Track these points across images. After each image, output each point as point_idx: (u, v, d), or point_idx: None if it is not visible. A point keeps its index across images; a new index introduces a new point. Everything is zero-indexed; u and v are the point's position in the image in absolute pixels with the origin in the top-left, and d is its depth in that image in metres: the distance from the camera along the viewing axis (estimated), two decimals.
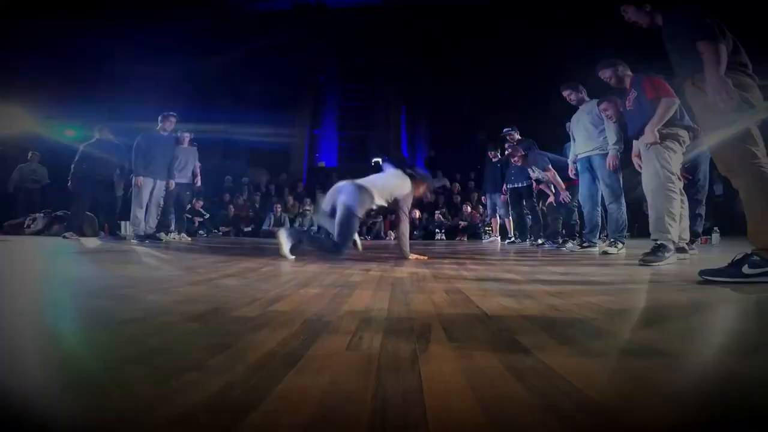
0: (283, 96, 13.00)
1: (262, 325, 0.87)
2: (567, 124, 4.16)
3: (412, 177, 3.01)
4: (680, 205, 2.50)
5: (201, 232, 8.16)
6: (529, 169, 4.94)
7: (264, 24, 12.01)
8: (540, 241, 5.25)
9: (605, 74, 3.03)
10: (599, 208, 3.89)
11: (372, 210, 2.91)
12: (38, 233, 6.19)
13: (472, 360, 0.66)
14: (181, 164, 5.45)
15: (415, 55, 13.16)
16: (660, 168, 2.45)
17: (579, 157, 3.89)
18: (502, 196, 6.18)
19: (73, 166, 5.36)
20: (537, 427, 0.44)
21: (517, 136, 5.52)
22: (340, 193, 2.76)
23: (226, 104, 12.35)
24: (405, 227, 2.85)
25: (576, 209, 4.45)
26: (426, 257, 2.85)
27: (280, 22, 12.21)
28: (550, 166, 4.51)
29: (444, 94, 13.76)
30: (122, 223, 6.41)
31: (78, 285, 1.61)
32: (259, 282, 1.58)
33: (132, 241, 4.81)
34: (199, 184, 6.59)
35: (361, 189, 2.76)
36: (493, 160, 6.51)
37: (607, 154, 3.55)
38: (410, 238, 2.90)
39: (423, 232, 8.54)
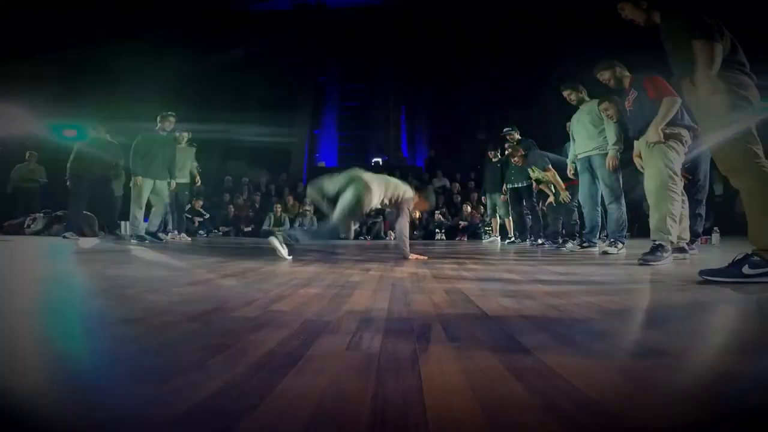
0: (283, 96, 13.01)
1: (262, 325, 0.87)
2: (567, 124, 4.16)
3: (417, 189, 3.07)
4: (681, 206, 2.50)
5: (201, 232, 8.16)
6: (529, 169, 4.94)
7: (264, 24, 12.02)
8: (540, 241, 5.25)
9: (604, 76, 3.03)
10: (599, 208, 3.89)
11: (372, 210, 2.92)
12: (38, 233, 6.19)
13: (472, 360, 0.66)
14: (178, 164, 5.45)
15: (415, 55, 13.17)
16: (664, 167, 2.45)
17: (579, 157, 3.90)
18: (502, 196, 6.18)
19: (69, 165, 5.34)
20: (537, 427, 0.44)
21: (517, 136, 5.52)
22: (352, 181, 2.75)
23: (226, 104, 12.35)
24: (405, 227, 2.86)
25: (576, 209, 4.45)
26: (426, 257, 2.86)
27: (280, 22, 12.22)
28: (550, 166, 4.51)
29: (444, 93, 13.77)
30: (122, 222, 6.40)
31: (78, 285, 1.61)
32: (259, 282, 1.57)
33: (132, 241, 4.81)
34: (198, 183, 6.61)
35: (374, 184, 2.78)
36: (493, 160, 6.51)
37: (607, 154, 3.55)
38: (410, 238, 2.91)
39: (423, 232, 8.54)
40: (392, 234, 3.31)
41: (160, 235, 5.40)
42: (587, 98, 3.89)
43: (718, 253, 3.71)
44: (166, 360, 0.65)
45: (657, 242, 2.43)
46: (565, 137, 4.43)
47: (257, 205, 9.81)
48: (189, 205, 7.75)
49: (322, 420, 0.45)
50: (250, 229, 8.85)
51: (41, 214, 6.42)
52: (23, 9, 8.17)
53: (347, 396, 0.51)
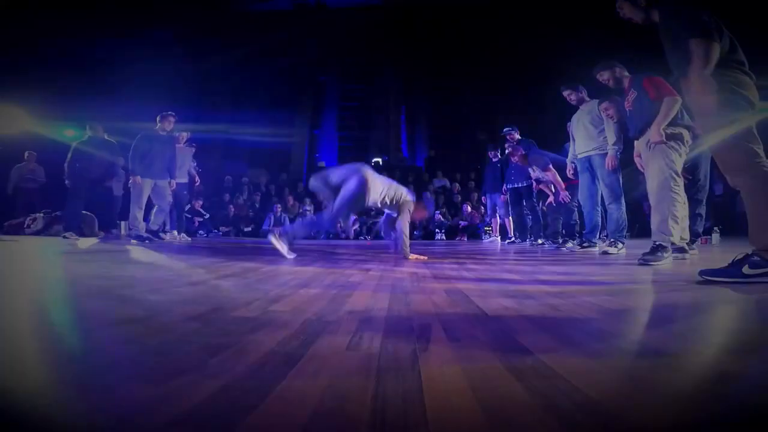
0: (283, 96, 13.01)
1: (262, 325, 0.87)
2: (568, 124, 4.16)
3: (417, 197, 3.15)
4: (683, 207, 2.50)
5: (201, 232, 8.16)
6: (529, 169, 4.94)
7: (264, 24, 12.02)
8: (540, 241, 5.25)
9: (603, 76, 3.03)
10: (599, 208, 3.89)
11: (372, 210, 2.94)
12: (38, 233, 6.19)
13: (472, 360, 0.66)
14: (177, 164, 5.45)
15: (415, 55, 13.17)
16: (665, 167, 2.44)
17: (579, 156, 3.90)
18: (502, 196, 6.18)
19: (66, 165, 5.33)
20: (537, 427, 0.44)
21: (517, 136, 5.52)
22: (357, 172, 2.80)
23: (226, 104, 12.35)
24: (405, 228, 2.87)
25: (576, 209, 4.45)
26: (426, 257, 2.86)
27: (280, 22, 12.21)
28: (551, 166, 4.50)
29: (444, 94, 13.77)
30: (121, 222, 6.41)
31: (78, 285, 1.61)
32: (259, 282, 1.57)
33: (132, 240, 4.81)
34: (198, 183, 6.62)
35: (377, 179, 2.84)
36: (493, 160, 6.51)
37: (607, 154, 3.55)
38: (410, 238, 2.92)
39: (423, 232, 8.54)
40: (392, 234, 3.32)
41: (162, 234, 5.42)
42: (587, 98, 3.89)
43: (718, 253, 3.71)
44: (167, 360, 0.65)
45: (657, 242, 2.43)
46: (565, 137, 4.44)
47: (257, 205, 9.82)
48: (189, 205, 7.77)
49: (322, 420, 0.45)
50: (250, 229, 8.85)
51: (41, 214, 6.43)
52: (23, 8, 8.17)
53: (347, 396, 0.51)
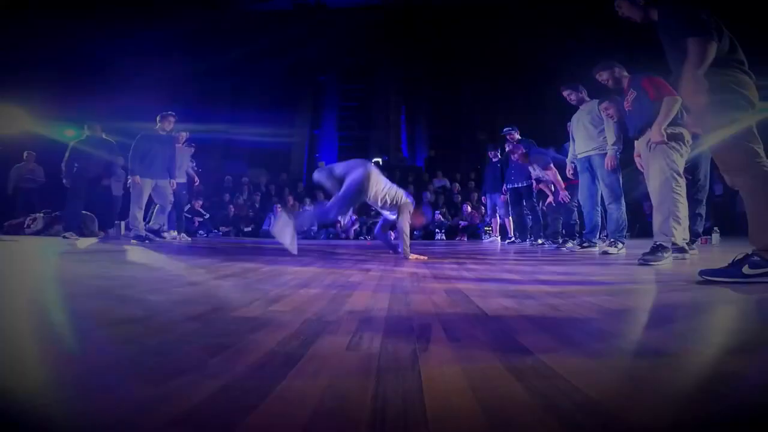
0: (283, 96, 13.00)
1: (262, 325, 0.87)
2: (568, 124, 4.16)
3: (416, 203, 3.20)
4: (685, 207, 2.49)
5: (201, 232, 8.16)
6: (530, 167, 4.93)
7: (264, 24, 12.01)
8: (540, 241, 5.25)
9: (602, 76, 3.03)
10: (599, 208, 3.89)
11: (372, 210, 2.98)
12: (38, 233, 6.20)
13: (472, 360, 0.66)
14: (176, 164, 5.46)
15: (415, 54, 13.17)
16: (666, 168, 2.43)
17: (579, 157, 3.90)
18: (502, 196, 6.18)
19: (63, 164, 5.31)
20: (537, 427, 0.44)
21: (517, 136, 5.52)
22: (361, 165, 2.89)
23: (226, 104, 12.35)
24: (406, 227, 2.88)
25: (575, 209, 4.45)
26: (426, 257, 2.86)
27: (280, 22, 12.21)
28: (551, 165, 4.50)
29: (444, 94, 13.76)
30: (120, 222, 6.40)
31: (78, 285, 1.61)
32: (259, 282, 1.57)
33: (132, 240, 4.82)
34: (198, 183, 6.62)
35: (380, 175, 2.93)
36: (493, 160, 6.51)
37: (607, 154, 3.55)
38: (410, 238, 2.93)
39: (423, 232, 8.54)
40: (392, 234, 3.35)
41: (164, 234, 5.42)
42: (587, 98, 3.89)
43: (718, 253, 3.71)
44: (167, 360, 0.65)
45: (657, 242, 2.43)
46: (565, 137, 4.43)
47: (257, 205, 9.82)
48: (189, 205, 7.77)
49: (322, 420, 0.45)
50: (250, 229, 8.85)
51: (41, 214, 6.43)
52: (23, 8, 8.17)
53: (347, 396, 0.51)
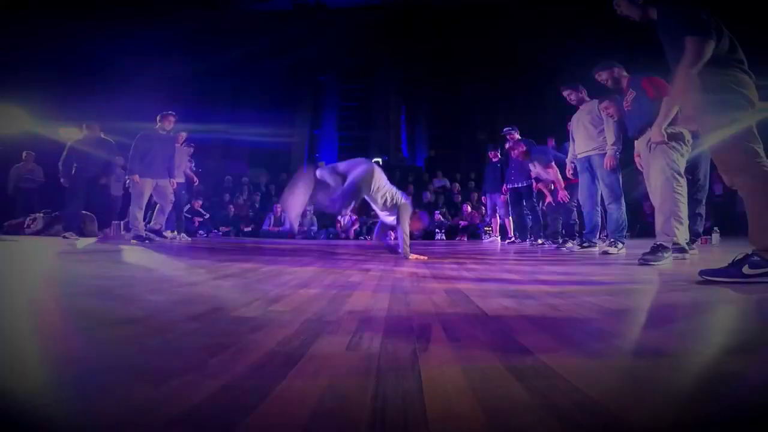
0: (283, 96, 13.00)
1: (262, 325, 0.87)
2: (568, 124, 4.16)
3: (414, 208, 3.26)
4: (686, 207, 2.48)
5: (201, 232, 8.16)
6: (530, 165, 4.90)
7: (264, 24, 12.01)
8: (540, 241, 5.25)
9: (602, 76, 3.03)
10: (599, 208, 3.89)
11: (372, 210, 3.01)
12: (38, 233, 6.20)
13: (472, 360, 0.66)
14: (175, 164, 5.46)
15: (415, 54, 13.16)
16: (667, 168, 2.42)
17: (578, 157, 3.90)
18: (502, 196, 6.18)
19: (60, 163, 5.29)
20: (537, 427, 0.44)
21: (517, 136, 5.52)
22: (365, 162, 3.00)
23: (226, 104, 12.35)
24: (405, 227, 2.89)
25: (575, 209, 4.45)
26: (426, 257, 2.86)
27: (280, 22, 12.21)
28: (553, 163, 4.48)
29: (444, 94, 13.76)
30: (119, 222, 6.39)
31: (78, 285, 1.61)
32: (259, 282, 1.57)
33: (132, 240, 4.82)
34: (197, 182, 6.62)
35: (382, 176, 3.01)
36: (493, 160, 6.51)
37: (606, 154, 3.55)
38: (410, 238, 2.94)
39: (423, 232, 8.54)
40: (392, 234, 3.38)
41: (166, 233, 5.43)
42: (587, 98, 3.89)
43: (718, 253, 3.70)
44: (166, 360, 0.65)
45: (658, 242, 2.42)
46: (565, 137, 4.43)
47: (257, 205, 9.82)
48: (188, 205, 7.77)
49: (322, 420, 0.45)
50: (250, 229, 8.85)
51: (41, 214, 6.43)
52: (23, 8, 8.17)
53: (347, 396, 0.51)
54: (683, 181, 2.46)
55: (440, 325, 0.89)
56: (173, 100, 8.12)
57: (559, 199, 4.49)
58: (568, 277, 1.86)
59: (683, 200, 2.44)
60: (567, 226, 4.52)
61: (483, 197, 7.69)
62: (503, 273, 2.06)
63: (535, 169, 4.83)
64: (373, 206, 3.10)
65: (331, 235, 8.45)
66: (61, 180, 5.33)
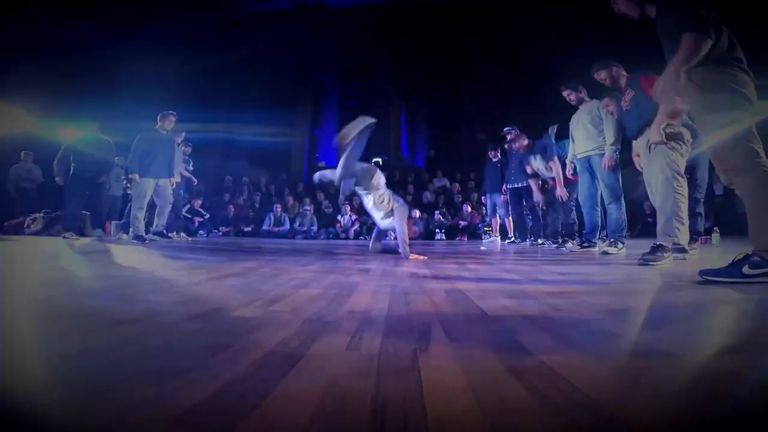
0: (283, 96, 13.00)
1: (262, 325, 0.87)
2: (570, 124, 4.16)
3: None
4: (686, 207, 2.48)
5: (201, 232, 8.16)
6: (531, 157, 4.88)
7: (264, 24, 12.01)
8: (540, 241, 5.25)
9: (600, 75, 3.03)
10: (599, 208, 3.89)
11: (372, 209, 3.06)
12: (38, 233, 6.20)
13: (472, 360, 0.66)
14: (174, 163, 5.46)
15: (415, 54, 13.16)
16: (667, 168, 2.42)
17: (578, 157, 3.90)
18: (502, 196, 6.18)
19: (55, 163, 5.26)
20: (537, 427, 0.44)
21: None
22: (369, 163, 3.15)
23: (226, 104, 12.35)
24: (404, 227, 2.92)
25: (574, 209, 4.45)
26: (426, 257, 2.86)
27: (280, 22, 12.21)
28: (556, 158, 4.46)
29: (444, 94, 13.77)
30: (117, 223, 6.39)
31: (78, 285, 1.61)
32: (259, 282, 1.57)
33: (132, 240, 4.82)
34: (195, 182, 6.63)
35: (382, 177, 3.10)
36: (493, 160, 6.51)
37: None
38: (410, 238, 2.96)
39: (423, 231, 8.54)
40: (392, 234, 3.40)
41: (170, 234, 5.45)
42: (587, 98, 3.89)
43: (718, 253, 3.70)
44: (167, 360, 0.65)
45: (657, 242, 2.42)
46: (565, 137, 4.42)
47: (257, 205, 9.82)
48: (188, 205, 7.77)
49: (322, 420, 0.45)
50: (250, 229, 8.85)
51: (41, 214, 6.42)
52: (22, 7, 8.17)
53: (347, 396, 0.51)
54: (683, 181, 2.46)
55: (440, 325, 0.89)
56: (173, 99, 8.12)
57: (557, 195, 4.46)
58: (568, 277, 1.86)
59: (684, 200, 2.43)
60: (566, 226, 4.52)
61: (483, 197, 7.69)
62: (503, 273, 2.06)
63: (536, 163, 4.79)
64: (370, 208, 3.11)
65: (331, 235, 8.45)
66: (56, 179, 5.33)
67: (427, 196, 9.88)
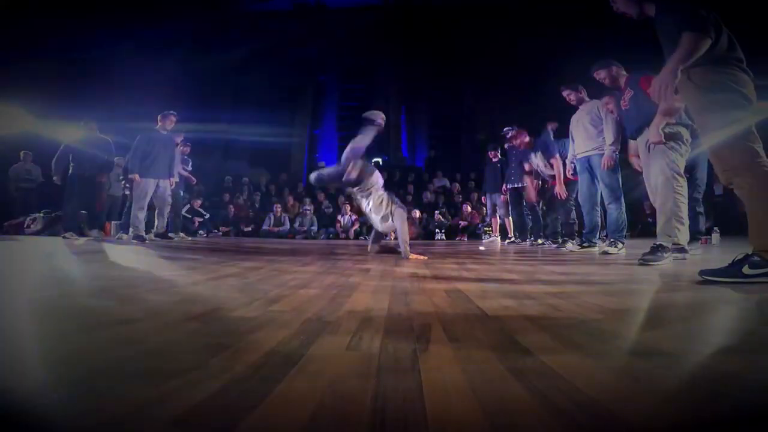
0: (283, 96, 13.00)
1: (262, 325, 0.87)
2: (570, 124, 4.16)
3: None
4: (686, 207, 2.48)
5: (201, 232, 8.16)
6: (531, 154, 4.87)
7: (264, 24, 12.01)
8: (540, 241, 5.25)
9: (600, 75, 3.03)
10: (599, 208, 3.89)
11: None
12: (38, 233, 6.20)
13: (472, 360, 0.66)
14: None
15: (415, 55, 13.16)
16: (666, 168, 2.41)
17: (578, 157, 3.90)
18: (502, 196, 6.18)
19: (53, 162, 5.26)
20: (537, 427, 0.44)
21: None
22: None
23: (226, 104, 12.35)
24: (404, 226, 2.92)
25: (574, 208, 4.44)
26: (426, 257, 2.86)
27: (280, 22, 12.21)
28: (558, 156, 4.46)
29: (444, 94, 13.76)
30: (113, 223, 6.39)
31: (78, 285, 1.61)
32: (259, 282, 1.57)
33: (132, 240, 4.82)
34: (194, 182, 6.65)
35: (378, 176, 3.12)
36: (493, 160, 6.51)
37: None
38: (410, 238, 2.96)
39: (423, 232, 8.53)
40: (392, 234, 3.41)
41: (170, 235, 5.45)
42: (587, 98, 3.89)
43: (718, 253, 3.70)
44: (166, 360, 0.65)
45: (657, 242, 2.42)
46: (564, 135, 4.42)
47: (257, 205, 9.82)
48: (188, 205, 7.77)
49: (322, 420, 0.45)
50: (250, 229, 8.85)
51: (41, 214, 6.42)
52: (22, 7, 8.16)
53: (347, 396, 0.51)
54: (683, 181, 2.45)
55: (440, 325, 0.89)
56: (173, 99, 8.12)
57: (555, 192, 4.45)
58: (568, 277, 1.86)
59: (684, 200, 2.43)
60: (566, 226, 4.51)
61: (483, 197, 7.68)
62: (503, 273, 2.06)
63: (536, 160, 4.78)
64: (368, 211, 3.10)
65: (331, 235, 8.45)
66: (53, 178, 5.32)
67: (427, 196, 9.88)
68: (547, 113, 5.22)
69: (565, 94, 3.96)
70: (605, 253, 3.40)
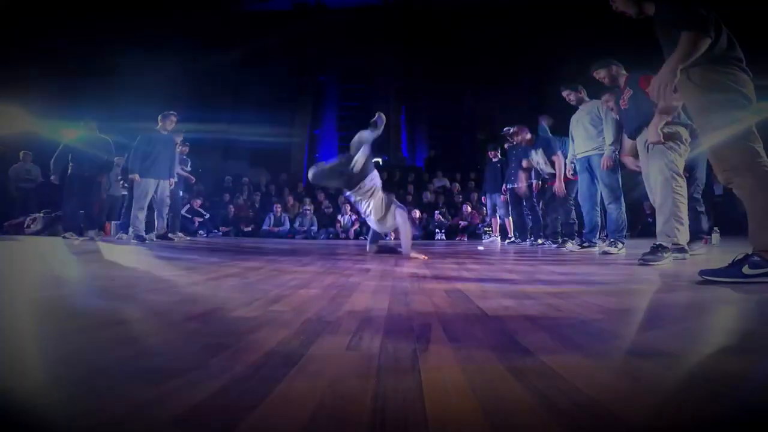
0: (283, 96, 13.00)
1: (262, 325, 0.87)
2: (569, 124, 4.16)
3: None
4: (686, 207, 2.48)
5: (201, 232, 8.16)
6: (532, 152, 4.87)
7: (264, 24, 12.02)
8: (540, 241, 5.25)
9: (599, 74, 3.03)
10: (598, 208, 3.89)
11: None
12: (38, 233, 6.20)
13: (472, 360, 0.66)
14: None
15: (415, 55, 13.16)
16: (665, 168, 2.41)
17: (578, 157, 3.90)
18: (502, 196, 6.18)
19: (52, 162, 5.23)
20: (537, 427, 0.44)
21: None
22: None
23: (226, 104, 12.35)
24: (407, 224, 2.93)
25: (573, 208, 4.44)
26: (426, 257, 2.86)
27: (280, 22, 12.21)
28: (559, 153, 4.46)
29: (444, 93, 13.77)
30: (113, 223, 6.38)
31: (78, 285, 1.61)
32: (259, 282, 1.57)
33: (132, 240, 4.82)
34: (194, 182, 6.65)
35: (377, 176, 3.12)
36: (493, 160, 6.51)
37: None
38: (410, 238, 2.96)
39: (423, 232, 8.53)
40: (392, 234, 3.41)
41: (170, 235, 5.45)
42: (587, 98, 3.89)
43: (718, 253, 3.70)
44: (166, 360, 0.65)
45: (657, 242, 2.42)
46: (560, 132, 4.43)
47: (257, 205, 9.81)
48: (188, 205, 7.77)
49: (322, 420, 0.45)
50: (250, 229, 8.85)
51: (41, 214, 6.42)
52: (22, 7, 8.16)
53: (347, 396, 0.51)
54: (683, 181, 2.45)
55: (440, 325, 0.89)
56: (173, 99, 8.12)
57: (554, 190, 4.45)
58: (568, 277, 1.86)
59: (683, 200, 2.43)
60: (566, 225, 4.51)
61: (483, 197, 7.69)
62: (503, 273, 2.06)
63: (536, 157, 4.78)
64: (367, 213, 3.09)
65: (331, 235, 8.45)
66: (51, 177, 5.31)
67: (427, 196, 9.88)
68: (547, 113, 5.22)
69: (564, 94, 3.96)
70: (605, 253, 3.40)
